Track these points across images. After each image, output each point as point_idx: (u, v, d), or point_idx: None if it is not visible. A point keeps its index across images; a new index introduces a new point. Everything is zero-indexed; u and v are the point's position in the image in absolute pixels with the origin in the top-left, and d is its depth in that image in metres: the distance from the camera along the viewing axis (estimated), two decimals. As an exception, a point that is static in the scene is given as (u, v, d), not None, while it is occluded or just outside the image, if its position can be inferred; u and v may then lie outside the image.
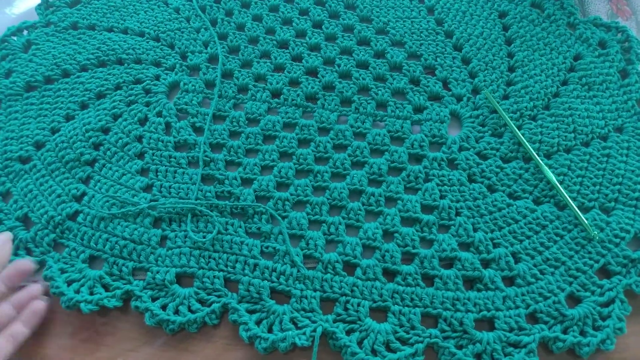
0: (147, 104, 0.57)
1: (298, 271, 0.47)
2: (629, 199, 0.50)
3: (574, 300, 0.46)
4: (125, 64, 0.60)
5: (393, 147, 0.53)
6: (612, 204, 0.50)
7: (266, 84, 0.58)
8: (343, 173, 0.52)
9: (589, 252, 0.47)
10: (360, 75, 0.58)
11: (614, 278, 0.46)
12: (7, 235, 0.47)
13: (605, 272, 0.47)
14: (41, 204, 0.51)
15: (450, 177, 0.51)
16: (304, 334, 0.44)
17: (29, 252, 0.50)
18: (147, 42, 0.61)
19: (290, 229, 0.50)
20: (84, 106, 0.58)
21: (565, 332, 0.44)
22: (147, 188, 0.53)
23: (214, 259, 0.48)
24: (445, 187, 0.51)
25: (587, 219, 0.48)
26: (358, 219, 0.50)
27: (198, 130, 0.56)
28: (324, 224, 0.50)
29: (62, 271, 0.48)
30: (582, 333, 0.44)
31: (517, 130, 0.53)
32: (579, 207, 0.49)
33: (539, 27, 0.60)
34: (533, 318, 0.45)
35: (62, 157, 0.54)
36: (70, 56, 0.60)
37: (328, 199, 0.51)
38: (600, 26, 0.59)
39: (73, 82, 0.59)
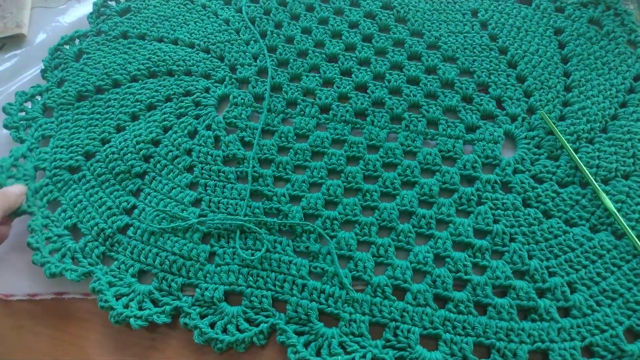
0: (197, 117, 0.57)
1: (347, 293, 0.47)
2: (692, 231, 0.48)
3: (633, 334, 0.45)
4: (176, 76, 0.60)
5: (445, 167, 0.52)
6: (674, 235, 0.48)
7: (315, 99, 0.57)
8: (393, 193, 0.52)
9: (649, 285, 0.46)
10: (410, 91, 0.57)
11: (676, 313, 0.45)
12: (24, 189, 0.51)
13: (666, 306, 0.46)
14: (91, 215, 0.52)
15: (504, 200, 0.50)
16: (353, 359, 0.43)
17: (74, 262, 0.50)
18: (197, 54, 0.61)
19: (339, 249, 0.49)
20: (134, 117, 0.58)
21: (623, 368, 0.43)
22: (196, 202, 0.53)
23: (262, 277, 0.48)
24: (499, 211, 0.50)
25: (647, 250, 0.47)
26: (408, 241, 0.49)
27: (247, 144, 0.56)
28: (373, 245, 0.49)
29: (111, 285, 0.49)
30: (642, 370, 0.42)
31: (574, 153, 0.51)
32: (638, 237, 0.47)
33: (596, 45, 0.57)
34: (589, 351, 0.44)
35: (112, 168, 0.54)
36: (120, 66, 0.61)
37: (377, 219, 0.50)
38: (664, 44, 0.57)
39: (124, 92, 0.59)
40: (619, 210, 0.49)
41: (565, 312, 0.46)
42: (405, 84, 0.57)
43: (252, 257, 0.48)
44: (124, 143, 0.55)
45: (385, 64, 0.59)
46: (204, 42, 0.62)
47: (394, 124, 0.55)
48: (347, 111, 0.56)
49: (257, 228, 0.50)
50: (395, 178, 0.52)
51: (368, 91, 0.57)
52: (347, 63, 0.59)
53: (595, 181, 0.50)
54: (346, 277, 0.48)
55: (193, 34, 0.63)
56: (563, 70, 0.57)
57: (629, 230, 0.47)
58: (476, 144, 0.53)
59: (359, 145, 0.54)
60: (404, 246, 0.49)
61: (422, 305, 0.46)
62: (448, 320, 0.45)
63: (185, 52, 0.61)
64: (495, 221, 0.49)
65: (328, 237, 0.49)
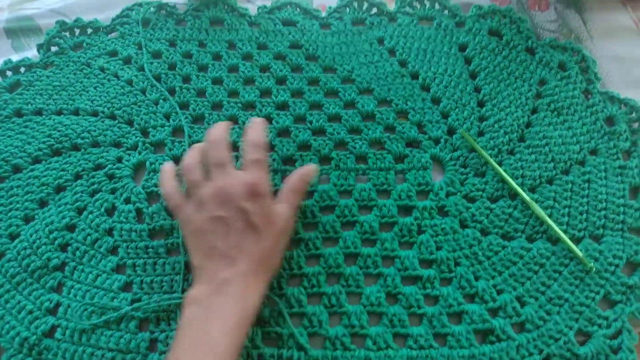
0: (113, 191, 0.53)
1: (306, 353, 0.45)
2: (615, 223, 0.50)
3: (582, 335, 0.46)
4: (82, 149, 0.55)
5: (381, 201, 0.52)
6: (601, 230, 0.50)
7: (239, 151, 0.55)
8: (335, 236, 0.50)
9: (588, 285, 0.48)
10: (334, 129, 0.56)
11: (617, 307, 0.47)
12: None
13: (607, 302, 0.48)
14: (10, 325, 0.47)
15: (442, 225, 0.50)
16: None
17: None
18: (103, 122, 0.57)
19: (289, 307, 0.47)
20: (43, 203, 0.53)
21: (581, 372, 0.44)
22: (127, 286, 0.49)
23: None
24: (440, 237, 0.50)
25: (580, 251, 0.49)
26: (358, 284, 0.48)
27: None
28: (324, 296, 0.48)
29: (48, 396, 0.44)
30: (598, 371, 0.44)
31: (498, 167, 0.52)
32: (570, 239, 0.49)
33: (499, 55, 0.60)
34: (548, 362, 0.45)
35: (26, 265, 0.49)
36: (19, 148, 0.55)
37: (324, 267, 0.49)
38: (557, 47, 0.60)
39: (27, 177, 0.54)
40: (549, 216, 0.51)
41: (519, 327, 0.46)
42: (327, 123, 0.56)
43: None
44: (35, 235, 0.50)
45: (304, 105, 0.57)
46: (109, 108, 0.57)
47: (323, 165, 0.54)
48: (274, 160, 0.54)
49: None
50: (335, 220, 0.51)
51: (291, 135, 0.56)
52: (265, 109, 0.57)
53: (523, 191, 0.51)
54: (302, 335, 0.46)
55: (95, 101, 0.58)
56: (473, 86, 0.58)
57: (562, 235, 0.49)
58: (407, 172, 0.53)
59: (292, 193, 0.53)
60: (355, 290, 0.48)
61: (384, 349, 0.45)
62: (411, 358, 0.45)
63: (89, 121, 0.57)
64: (438, 248, 0.50)
65: (277, 298, 0.47)
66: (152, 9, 0.65)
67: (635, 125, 0.55)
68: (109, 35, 0.64)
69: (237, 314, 0.40)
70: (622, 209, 0.51)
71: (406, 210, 0.52)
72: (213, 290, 0.41)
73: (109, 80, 0.59)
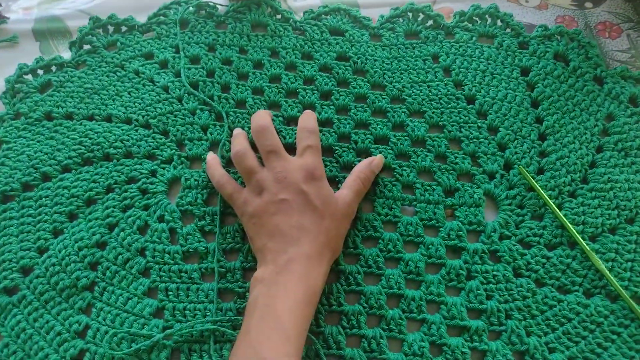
0: (146, 208, 0.51)
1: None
2: (682, 282, 0.47)
3: (639, 405, 0.44)
4: (115, 160, 0.53)
5: (428, 238, 0.49)
6: (667, 289, 0.47)
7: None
8: (377, 273, 0.48)
9: (651, 350, 0.45)
10: (380, 152, 0.53)
11: (680, 376, 0.44)
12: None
13: (669, 370, 0.45)
14: (39, 346, 0.45)
15: (494, 272, 0.47)
16: None
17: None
18: (137, 131, 0.54)
19: (327, 347, 0.45)
20: (72, 216, 0.51)
21: None
22: (158, 312, 0.47)
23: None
24: (491, 285, 0.47)
25: (643, 310, 0.46)
26: (400, 329, 0.46)
27: (208, 233, 0.50)
28: (363, 339, 0.45)
29: None
30: None
31: (559, 212, 0.49)
32: (632, 297, 0.46)
33: (565, 84, 0.55)
34: None
35: (55, 283, 0.47)
36: (48, 155, 0.53)
37: (364, 307, 0.46)
38: (629, 79, 0.56)
39: (56, 187, 0.52)
40: (610, 270, 0.47)
41: (570, 391, 0.44)
42: (373, 145, 0.53)
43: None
44: (64, 251, 0.48)
45: (349, 123, 0.54)
46: (143, 116, 0.55)
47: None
48: (314, 183, 0.51)
49: (231, 331, 0.45)
50: (378, 255, 0.48)
51: (335, 155, 0.53)
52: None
53: (583, 240, 0.48)
54: (339, 381, 0.44)
55: (129, 108, 0.55)
56: (535, 116, 0.54)
57: (624, 292, 0.46)
58: (458, 209, 0.50)
59: (333, 222, 0.50)
60: (396, 336, 0.46)
61: (426, 404, 0.43)
62: (455, 418, 0.43)
63: (122, 130, 0.54)
64: (488, 297, 0.47)
65: (313, 338, 0.45)
66: (191, 8, 0.61)
67: None
68: (145, 36, 0.61)
69: (301, 291, 0.41)
70: (691, 267, 0.48)
71: (455, 251, 0.49)
72: (277, 269, 0.42)
73: (144, 85, 0.57)
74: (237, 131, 0.52)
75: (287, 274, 0.42)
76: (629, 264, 0.48)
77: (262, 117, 0.49)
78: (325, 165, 0.52)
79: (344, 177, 0.51)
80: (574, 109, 0.54)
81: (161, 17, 0.61)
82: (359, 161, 0.52)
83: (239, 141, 0.50)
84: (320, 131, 0.54)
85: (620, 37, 0.59)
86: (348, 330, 0.46)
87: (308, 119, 0.50)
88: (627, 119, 0.54)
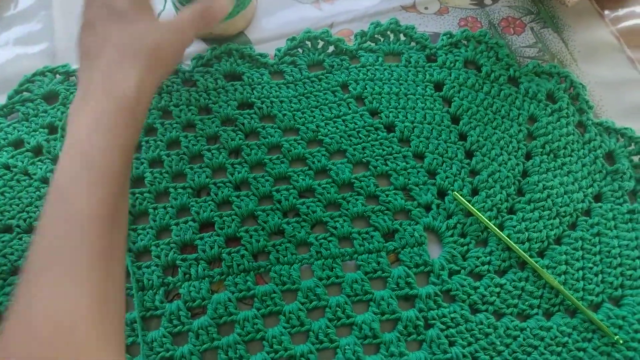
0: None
1: None
2: (633, 280, 0.48)
3: (617, 418, 0.44)
4: (1, 281, 0.45)
5: (377, 292, 0.46)
6: (620, 291, 0.47)
7: (198, 252, 0.47)
8: (331, 346, 0.44)
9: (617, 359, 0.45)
10: (307, 207, 0.49)
11: (650, 380, 0.44)
12: None
13: (638, 376, 0.45)
14: None
15: (452, 314, 0.45)
16: None
17: None
18: (21, 239, 0.47)
19: None
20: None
21: None
22: None
23: None
24: (451, 329, 0.45)
25: (602, 320, 0.45)
26: (367, 403, 0.43)
27: (131, 347, 0.44)
28: None
29: None
30: None
31: (502, 234, 0.48)
32: (588, 307, 0.46)
33: (481, 92, 0.54)
34: None
35: None
36: None
37: (324, 389, 0.43)
38: (542, 74, 0.56)
39: None
40: (563, 283, 0.47)
41: None
42: (299, 201, 0.49)
43: None
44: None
45: (267, 181, 0.50)
46: (25, 220, 0.46)
47: (302, 254, 0.48)
48: (242, 256, 0.47)
49: None
50: (328, 327, 0.45)
51: (259, 221, 0.48)
52: (222, 192, 0.49)
53: (531, 257, 0.47)
54: None
55: (5, 213, 0.47)
56: (458, 133, 0.53)
57: (581, 305, 0.46)
58: (400, 251, 0.48)
59: (272, 296, 0.46)
60: (367, 409, 0.43)
61: None
62: None
63: (3, 242, 0.46)
64: (451, 344, 0.45)
65: None
66: (57, 76, 0.54)
67: (636, 158, 0.52)
68: (8, 119, 0.52)
69: (104, 100, 0.37)
70: (637, 262, 0.48)
71: (407, 299, 0.47)
72: (80, 94, 0.39)
73: (18, 181, 0.49)
74: None
75: (90, 91, 0.38)
76: (580, 272, 0.48)
77: None
78: (251, 236, 0.48)
79: (273, 246, 0.47)
80: (494, 118, 0.53)
81: (24, 93, 0.53)
82: (287, 223, 0.48)
83: None
84: (238, 196, 0.49)
85: (524, 32, 0.59)
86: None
87: None
88: (549, 117, 0.53)
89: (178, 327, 0.44)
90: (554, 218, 0.49)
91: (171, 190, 0.49)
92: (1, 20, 0.59)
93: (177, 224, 0.48)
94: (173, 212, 0.49)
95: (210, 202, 0.49)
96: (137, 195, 0.49)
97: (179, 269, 0.47)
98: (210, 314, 0.45)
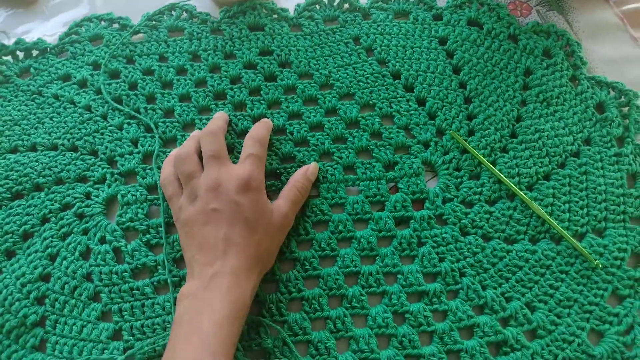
0: (85, 232, 0.51)
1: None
2: (616, 215, 0.52)
3: (595, 334, 0.48)
4: (46, 189, 0.52)
5: (375, 213, 0.51)
6: (603, 223, 0.51)
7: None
8: (331, 255, 0.50)
9: (596, 282, 0.49)
10: (317, 139, 0.55)
11: (626, 302, 0.48)
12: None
13: (616, 298, 0.49)
14: (-7, 394, 0.44)
15: (443, 235, 0.50)
16: None
17: None
18: (64, 156, 0.54)
19: (293, 335, 0.47)
20: (9, 254, 0.50)
21: (598, 373, 0.45)
22: (117, 334, 0.47)
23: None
24: (442, 247, 0.50)
25: (584, 247, 0.50)
26: (362, 305, 0.48)
27: (155, 247, 0.50)
28: (328, 321, 0.47)
29: None
30: (615, 369, 0.45)
31: (493, 168, 0.53)
32: (573, 236, 0.50)
33: (482, 46, 0.60)
34: (564, 367, 0.46)
35: (1, 326, 0.46)
36: (-27, 195, 0.52)
37: (324, 289, 0.48)
38: (540, 32, 0.61)
39: (-13, 227, 0.51)
40: (550, 214, 0.51)
41: (531, 334, 0.47)
42: (309, 133, 0.55)
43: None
44: (6, 290, 0.48)
45: (282, 116, 0.56)
46: (68, 140, 0.55)
47: (310, 179, 0.54)
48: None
49: None
50: (330, 237, 0.50)
51: (273, 148, 0.55)
52: (242, 123, 0.56)
53: (521, 190, 0.52)
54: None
55: (52, 134, 0.55)
56: (458, 82, 0.58)
57: (566, 234, 0.50)
58: (399, 180, 0.53)
59: (280, 213, 0.52)
60: (360, 312, 0.48)
61: (397, 373, 0.45)
62: (426, 380, 0.45)
63: (49, 157, 0.54)
64: (441, 259, 0.50)
65: (278, 327, 0.47)
66: (102, 23, 0.62)
67: (626, 109, 0.57)
68: (59, 57, 0.60)
69: (227, 307, 0.41)
70: (621, 198, 0.52)
71: (403, 221, 0.52)
72: (203, 284, 0.42)
73: (65, 108, 0.56)
74: (193, 134, 0.52)
75: (213, 289, 0.41)
76: (567, 205, 0.52)
77: (213, 121, 0.51)
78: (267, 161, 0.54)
79: (284, 169, 0.53)
80: (493, 69, 0.59)
81: (73, 35, 0.61)
82: (297, 151, 0.54)
83: (185, 144, 0.50)
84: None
85: (531, 14, 0.64)
86: (312, 314, 0.48)
87: (258, 127, 0.51)
88: (544, 71, 0.58)
89: (196, 234, 0.51)
90: (544, 157, 0.54)
91: (197, 121, 0.56)
92: (50, 8, 0.67)
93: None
94: (197, 140, 0.56)
95: (231, 132, 0.56)
96: (167, 124, 0.56)
97: (199, 187, 0.53)
98: (226, 224, 0.51)
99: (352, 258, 0.50)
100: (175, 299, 0.47)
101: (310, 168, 0.52)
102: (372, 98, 0.57)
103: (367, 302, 0.48)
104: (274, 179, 0.54)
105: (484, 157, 0.54)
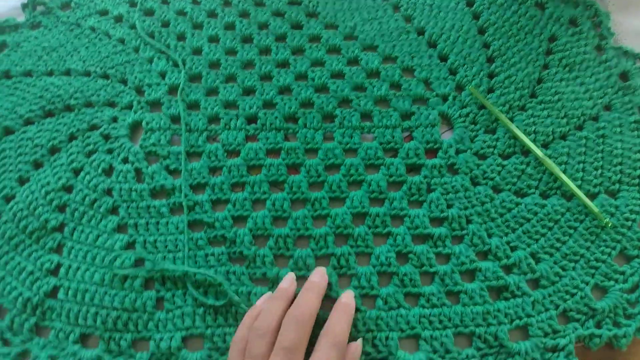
0: (110, 151, 0.53)
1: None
2: (631, 179, 0.51)
3: (599, 290, 0.47)
4: (76, 110, 0.55)
5: (388, 159, 0.52)
6: (617, 186, 0.51)
7: (238, 110, 0.55)
8: (342, 196, 0.50)
9: (605, 240, 0.48)
10: (337, 86, 0.56)
11: (633, 262, 0.47)
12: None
13: (624, 258, 0.48)
14: (12, 286, 0.46)
15: (453, 183, 0.51)
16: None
17: (6, 343, 0.45)
18: (96, 82, 0.56)
19: (297, 269, 0.47)
20: (37, 165, 0.52)
21: (598, 326, 0.44)
22: (129, 246, 0.48)
23: (222, 314, 0.45)
24: (451, 195, 0.50)
25: (596, 206, 0.49)
26: (367, 244, 0.48)
27: (173, 172, 0.52)
28: (332, 257, 0.48)
29: (53, 358, 0.44)
30: (616, 324, 0.44)
31: (510, 123, 0.53)
32: (585, 195, 0.50)
33: (508, 10, 0.60)
34: (564, 317, 0.45)
35: (24, 227, 0.49)
36: (9, 110, 0.55)
37: (331, 227, 0.49)
38: (569, 2, 0.60)
39: (19, 139, 0.53)
40: (563, 172, 0.51)
41: (534, 284, 0.47)
42: (330, 80, 0.56)
43: (217, 303, 0.45)
44: (31, 196, 0.50)
45: (305, 62, 0.57)
46: (101, 68, 0.57)
47: (327, 123, 0.54)
48: (275, 117, 0.54)
49: (211, 275, 0.46)
50: (341, 180, 0.51)
51: (293, 93, 0.56)
52: (265, 67, 0.57)
53: (536, 147, 0.52)
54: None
55: (86, 61, 0.57)
56: (482, 42, 0.58)
57: (577, 190, 0.49)
58: (415, 130, 0.54)
59: (297, 150, 0.53)
60: (364, 250, 0.48)
61: (395, 308, 0.45)
62: (424, 317, 0.45)
63: (81, 82, 0.56)
64: (449, 206, 0.50)
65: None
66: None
67: (650, 80, 0.56)
68: (98, -8, 0.63)
69: None
70: (638, 163, 0.51)
71: (415, 169, 0.52)
72: None
73: (100, 39, 0.59)
74: (282, 291, 0.44)
75: None
76: (581, 165, 0.51)
77: (308, 297, 0.43)
78: (285, 103, 0.55)
79: (303, 114, 0.55)
80: (518, 33, 0.58)
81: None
82: (317, 97, 0.55)
83: (270, 310, 0.42)
84: (278, 72, 0.57)
85: None
86: (317, 251, 0.48)
87: (337, 318, 0.42)
88: (569, 38, 0.58)
89: (214, 162, 0.52)
90: (562, 118, 0.54)
91: (222, 61, 0.58)
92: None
93: (224, 87, 0.57)
94: (222, 77, 0.57)
95: (254, 74, 0.57)
96: (194, 61, 0.58)
97: (221, 120, 0.55)
98: (243, 156, 0.52)
99: (362, 200, 0.50)
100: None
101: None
102: (394, 51, 0.58)
103: (372, 241, 0.48)
104: (292, 123, 0.55)
105: (501, 113, 0.54)
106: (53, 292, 0.46)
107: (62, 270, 0.47)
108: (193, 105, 0.56)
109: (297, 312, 0.41)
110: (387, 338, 0.44)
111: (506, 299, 0.46)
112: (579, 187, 0.50)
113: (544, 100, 0.54)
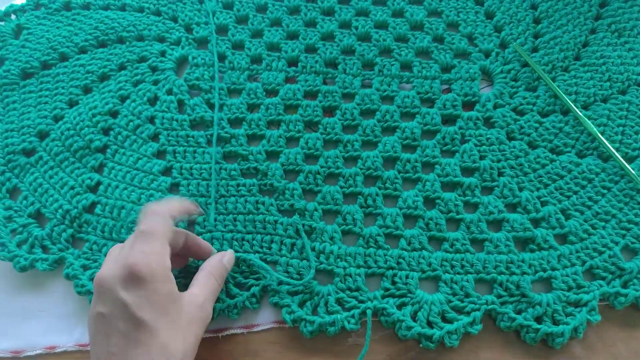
0: (155, 83, 0.54)
1: (339, 248, 0.45)
2: (674, 145, 0.48)
3: (629, 252, 0.45)
4: (127, 42, 0.56)
5: (424, 109, 0.51)
6: (657, 151, 0.48)
7: (281, 53, 0.55)
8: (374, 140, 0.50)
9: (639, 203, 0.46)
10: (380, 36, 0.55)
11: (668, 227, 0.45)
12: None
13: (658, 222, 0.46)
14: (54, 198, 0.48)
15: (488, 136, 0.49)
16: (353, 317, 0.42)
17: (45, 250, 0.46)
18: (148, 17, 0.57)
19: (325, 204, 0.47)
20: (87, 90, 0.54)
21: (625, 286, 0.42)
22: (166, 171, 0.49)
23: (248, 241, 0.45)
24: (484, 147, 0.49)
25: (632, 169, 0.47)
26: (395, 187, 0.47)
27: (214, 106, 0.52)
28: (360, 196, 0.47)
29: (85, 268, 0.45)
30: (644, 286, 0.42)
31: (552, 82, 0.51)
32: (622, 157, 0.48)
33: (560, -26, 0.57)
34: (590, 274, 0.44)
35: (70, 145, 0.50)
36: (66, 38, 0.56)
37: (361, 168, 0.48)
38: (624, -30, 0.57)
39: (72, 65, 0.55)
40: (602, 133, 0.49)
41: (562, 239, 0.45)
42: (373, 29, 0.55)
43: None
44: (79, 117, 0.51)
45: (350, 11, 0.57)
46: (154, 5, 0.58)
47: (366, 71, 0.54)
48: (316, 62, 0.54)
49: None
50: (375, 125, 0.50)
51: (336, 40, 0.55)
52: (311, 14, 0.57)
53: (576, 107, 0.50)
54: (335, 232, 0.45)
55: (141, -2, 0.59)
56: (530, 3, 0.56)
57: (614, 152, 0.47)
58: (454, 83, 0.52)
59: (334, 94, 0.52)
60: (392, 193, 0.47)
61: (418, 250, 0.45)
62: (446, 261, 0.44)
63: (135, 17, 0.57)
64: (482, 157, 0.48)
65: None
66: None
67: None
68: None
69: None
70: (683, 132, 0.49)
71: (451, 120, 0.51)
72: None
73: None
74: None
75: None
76: (620, 128, 0.49)
77: (173, 201, 0.40)
78: (327, 49, 0.54)
79: (344, 60, 0.54)
80: (568, -4, 0.56)
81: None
82: (359, 45, 0.55)
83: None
84: (322, 19, 0.57)
85: None
86: (345, 189, 0.48)
87: (158, 204, 0.39)
88: (622, 4, 0.55)
89: (253, 100, 0.52)
90: (605, 81, 0.51)
91: (269, 6, 0.58)
92: None
93: (269, 31, 0.57)
94: (268, 22, 0.57)
95: (299, 19, 0.57)
96: (242, 3, 0.58)
97: (263, 61, 0.55)
98: (281, 95, 0.52)
99: (394, 145, 0.49)
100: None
101: (227, 255, 0.42)
102: (440, 6, 0.56)
103: (400, 185, 0.48)
104: (332, 68, 0.54)
105: (544, 72, 0.52)
106: (91, 208, 0.48)
107: (101, 187, 0.48)
108: (238, 45, 0.56)
109: (156, 206, 0.38)
110: (407, 277, 0.43)
111: (532, 250, 0.44)
112: (617, 149, 0.48)
113: (587, 62, 0.52)
